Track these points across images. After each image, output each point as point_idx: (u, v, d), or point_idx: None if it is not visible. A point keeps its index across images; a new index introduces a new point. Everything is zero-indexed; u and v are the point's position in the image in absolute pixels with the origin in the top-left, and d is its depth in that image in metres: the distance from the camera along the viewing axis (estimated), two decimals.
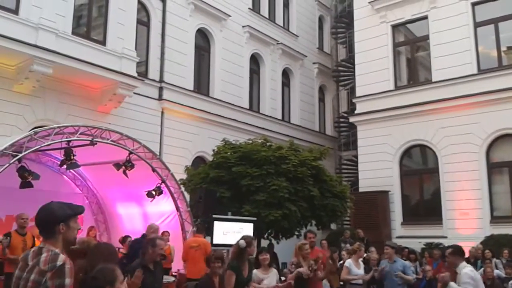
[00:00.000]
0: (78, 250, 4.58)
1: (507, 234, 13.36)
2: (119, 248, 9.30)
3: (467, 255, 12.11)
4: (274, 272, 6.80)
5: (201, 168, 12.34)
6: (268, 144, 12.47)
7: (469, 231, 14.41)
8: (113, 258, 4.13)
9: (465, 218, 14.74)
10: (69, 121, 10.88)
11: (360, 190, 17.07)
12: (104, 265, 3.05)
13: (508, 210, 14.63)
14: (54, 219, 2.87)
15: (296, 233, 11.86)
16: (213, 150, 12.65)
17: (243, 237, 6.22)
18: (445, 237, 14.56)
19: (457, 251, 5.81)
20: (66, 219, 2.91)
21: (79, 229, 3.30)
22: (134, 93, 13.33)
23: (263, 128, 17.80)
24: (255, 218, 10.21)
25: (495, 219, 14.54)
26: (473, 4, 15.80)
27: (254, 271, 6.49)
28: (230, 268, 5.96)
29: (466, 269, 5.58)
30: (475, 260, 11.54)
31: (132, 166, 9.47)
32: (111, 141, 9.06)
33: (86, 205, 11.84)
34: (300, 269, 6.81)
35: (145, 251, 5.36)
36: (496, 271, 10.93)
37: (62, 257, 2.79)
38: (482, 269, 10.36)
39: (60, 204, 2.99)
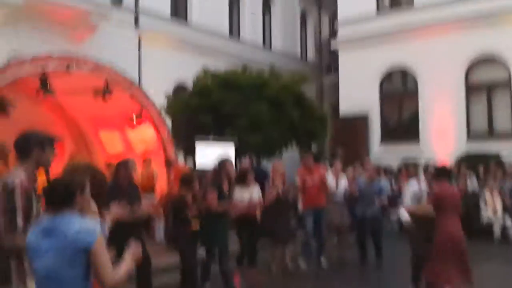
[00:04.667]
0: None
1: (483, 152, 13.80)
2: None
3: None
4: (255, 188, 7.06)
5: (182, 96, 12.28)
6: (248, 71, 12.37)
7: (446, 149, 14.78)
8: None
9: (443, 137, 15.09)
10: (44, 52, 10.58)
11: (341, 114, 17.26)
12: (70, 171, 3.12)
13: (484, 129, 15.01)
14: (30, 143, 3.31)
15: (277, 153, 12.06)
16: (193, 81, 12.54)
17: (218, 159, 6.79)
18: (423, 155, 14.90)
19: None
20: (41, 144, 3.33)
21: (55, 155, 3.60)
22: (109, 21, 12.94)
23: (243, 57, 17.54)
24: (236, 138, 10.32)
25: (471, 138, 14.95)
26: None
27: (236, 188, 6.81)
28: (211, 187, 6.30)
29: None
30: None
31: (110, 92, 9.37)
32: (87, 69, 8.90)
33: (67, 134, 11.80)
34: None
35: (117, 172, 5.48)
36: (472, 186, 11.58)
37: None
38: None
39: (37, 132, 3.45)
